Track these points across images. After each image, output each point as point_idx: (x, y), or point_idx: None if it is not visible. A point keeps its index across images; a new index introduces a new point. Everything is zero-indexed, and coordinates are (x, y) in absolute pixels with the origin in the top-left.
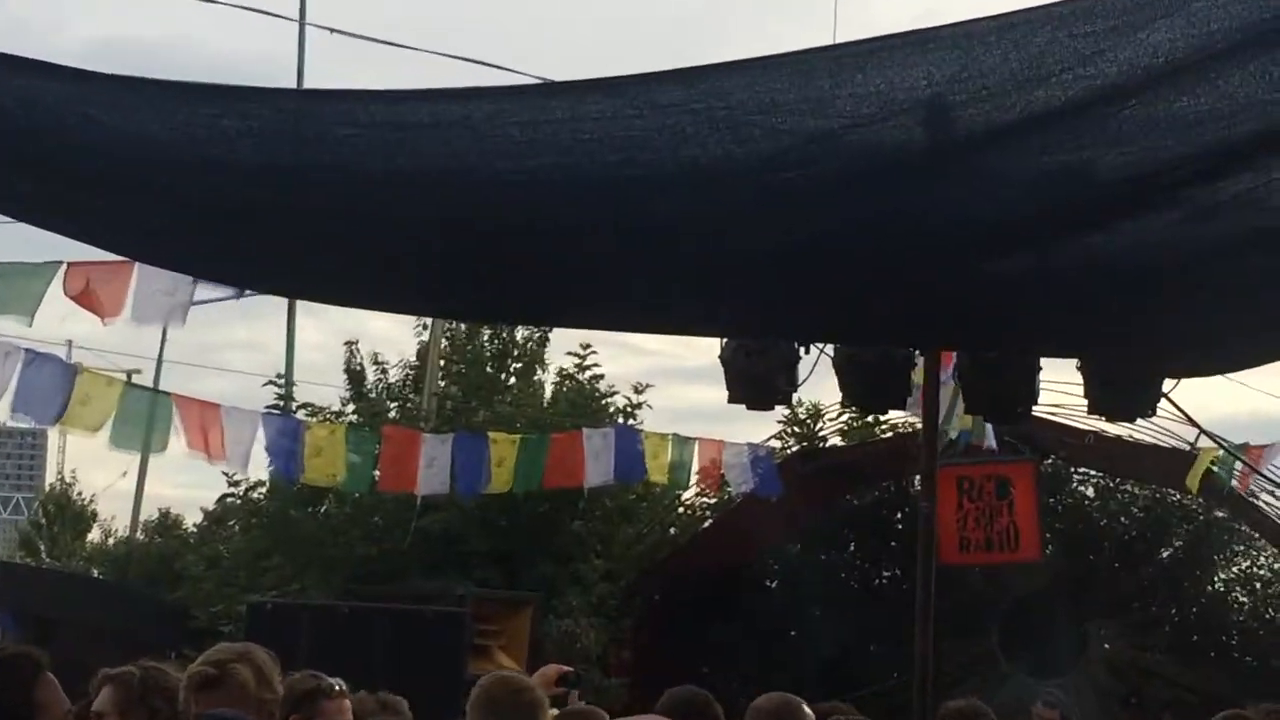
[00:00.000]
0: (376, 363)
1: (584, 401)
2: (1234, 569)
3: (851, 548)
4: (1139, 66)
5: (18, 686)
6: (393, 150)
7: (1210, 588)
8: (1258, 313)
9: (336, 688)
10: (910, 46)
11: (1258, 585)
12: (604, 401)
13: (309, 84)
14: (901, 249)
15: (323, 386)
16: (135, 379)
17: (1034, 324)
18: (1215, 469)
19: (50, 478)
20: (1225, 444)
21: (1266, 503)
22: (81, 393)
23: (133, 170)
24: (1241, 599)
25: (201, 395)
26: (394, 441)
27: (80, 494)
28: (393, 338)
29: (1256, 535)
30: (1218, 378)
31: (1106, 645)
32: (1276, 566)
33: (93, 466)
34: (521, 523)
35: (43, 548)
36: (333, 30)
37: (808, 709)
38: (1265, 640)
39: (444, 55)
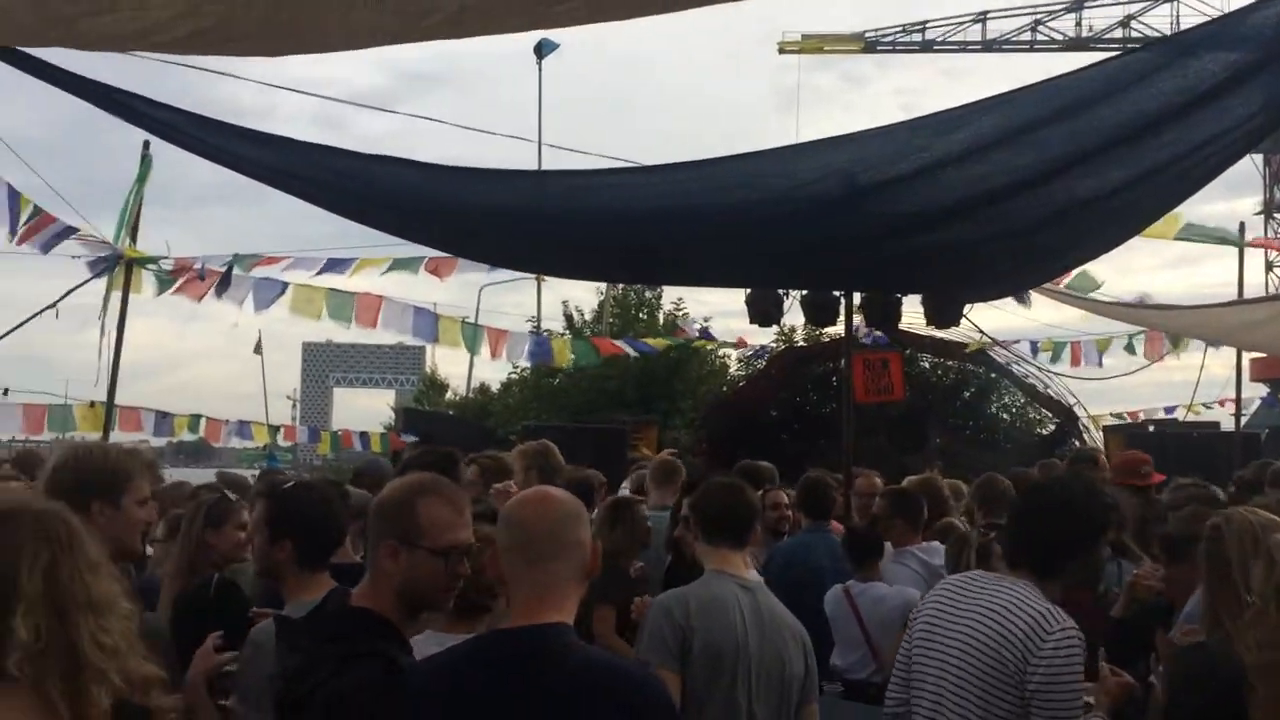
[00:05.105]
0: (577, 309)
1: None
2: (999, 402)
3: (812, 395)
4: (951, 152)
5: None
6: (585, 196)
7: (988, 411)
8: (997, 277)
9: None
10: (833, 144)
11: (1012, 410)
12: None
13: None
14: (831, 246)
15: (554, 321)
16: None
17: (901, 278)
18: (986, 351)
19: (426, 369)
20: (991, 336)
21: (1014, 369)
22: (443, 327)
23: (463, 217)
24: (1003, 416)
25: (498, 327)
26: (592, 343)
27: (440, 375)
28: (586, 298)
29: (1009, 384)
30: (987, 307)
31: (938, 440)
32: (1020, 401)
33: (447, 363)
34: (654, 383)
35: (424, 403)
36: (556, 147)
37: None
38: (1014, 438)
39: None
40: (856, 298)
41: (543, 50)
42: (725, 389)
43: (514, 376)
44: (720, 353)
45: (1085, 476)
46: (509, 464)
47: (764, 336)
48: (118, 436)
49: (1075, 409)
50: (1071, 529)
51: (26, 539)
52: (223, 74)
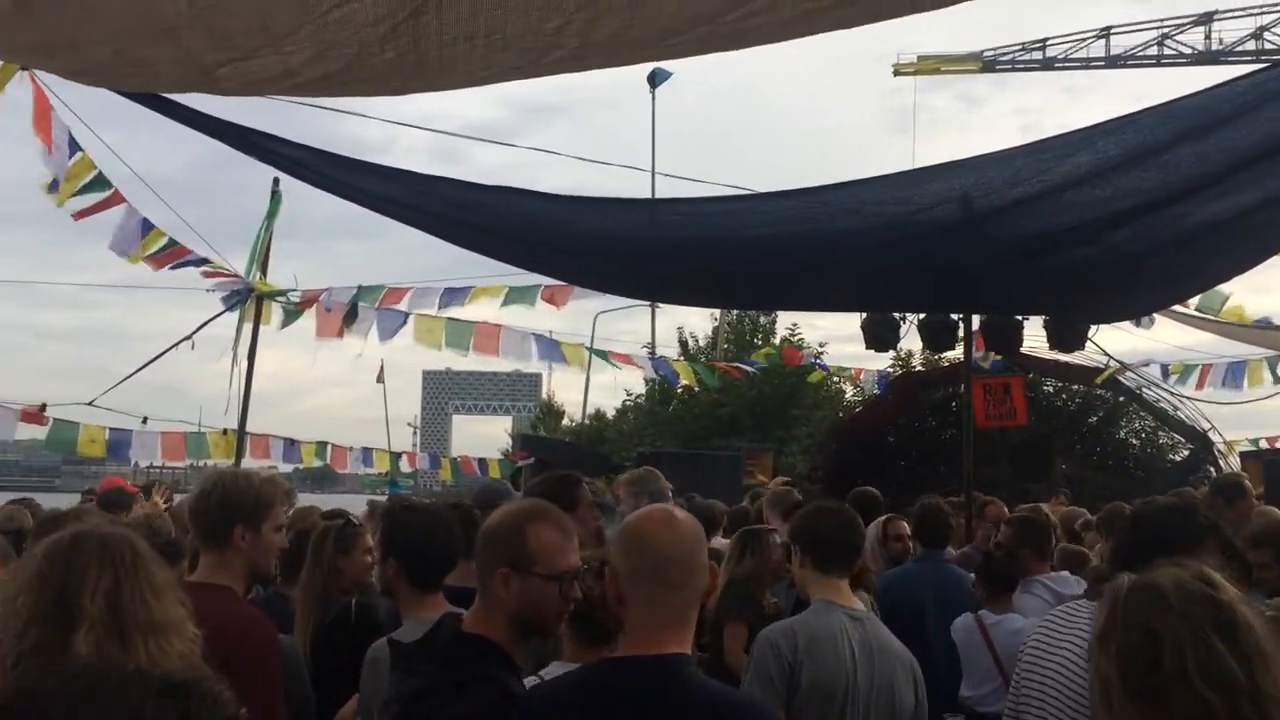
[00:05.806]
0: (692, 335)
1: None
2: (1128, 428)
3: (931, 421)
4: (1071, 175)
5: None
6: (699, 224)
7: (1117, 437)
8: (1122, 299)
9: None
10: (949, 169)
11: (1142, 435)
12: (805, 350)
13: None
14: (945, 269)
15: (669, 348)
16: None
17: (1022, 300)
18: (1115, 375)
19: (543, 396)
20: (1117, 360)
21: (1144, 393)
22: (567, 352)
23: (597, 246)
24: (1132, 441)
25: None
26: (709, 366)
27: (557, 402)
28: (700, 323)
29: (1138, 409)
30: (1112, 329)
31: (1064, 466)
32: (1150, 426)
33: (563, 390)
34: (769, 410)
35: (541, 429)
36: (670, 175)
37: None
38: (1145, 464)
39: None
40: (975, 321)
41: (656, 79)
42: (841, 415)
43: (629, 403)
44: (836, 378)
45: (1188, 498)
46: (602, 489)
47: (880, 361)
48: (248, 463)
49: (1210, 434)
50: (1146, 544)
51: (91, 562)
52: (343, 111)
